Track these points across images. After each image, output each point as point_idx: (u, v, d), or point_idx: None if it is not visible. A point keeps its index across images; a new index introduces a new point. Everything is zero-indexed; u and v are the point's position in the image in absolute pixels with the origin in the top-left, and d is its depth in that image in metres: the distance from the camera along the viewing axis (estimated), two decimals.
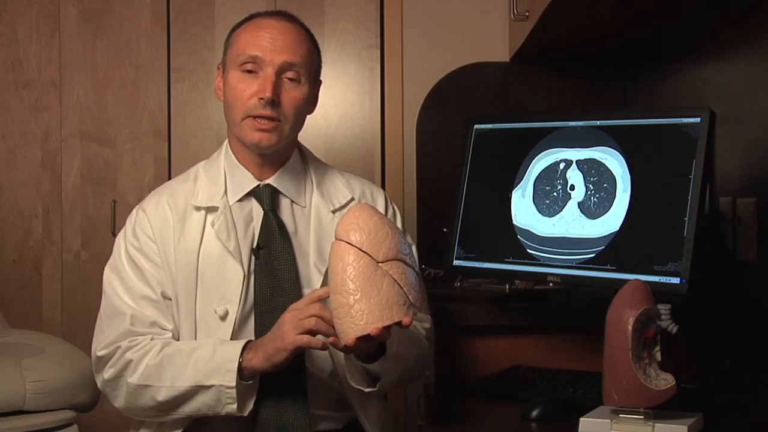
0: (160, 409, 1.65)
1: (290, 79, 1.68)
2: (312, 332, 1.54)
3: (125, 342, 1.67)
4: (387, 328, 1.45)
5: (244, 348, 1.60)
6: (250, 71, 1.67)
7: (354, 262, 1.45)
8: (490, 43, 2.98)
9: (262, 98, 1.65)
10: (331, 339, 1.51)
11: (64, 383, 2.45)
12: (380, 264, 1.46)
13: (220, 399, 1.60)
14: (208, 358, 1.60)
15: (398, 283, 1.47)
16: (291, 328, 1.54)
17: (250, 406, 1.62)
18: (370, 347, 1.56)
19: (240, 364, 1.58)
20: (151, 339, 1.67)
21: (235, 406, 1.59)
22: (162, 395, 1.63)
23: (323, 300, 1.55)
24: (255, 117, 1.66)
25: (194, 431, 1.69)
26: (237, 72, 1.68)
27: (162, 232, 1.71)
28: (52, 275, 3.19)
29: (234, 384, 1.58)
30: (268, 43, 1.67)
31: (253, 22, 1.72)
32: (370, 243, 1.46)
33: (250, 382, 1.61)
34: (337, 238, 1.48)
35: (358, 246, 1.46)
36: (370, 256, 1.46)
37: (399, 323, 1.46)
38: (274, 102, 1.65)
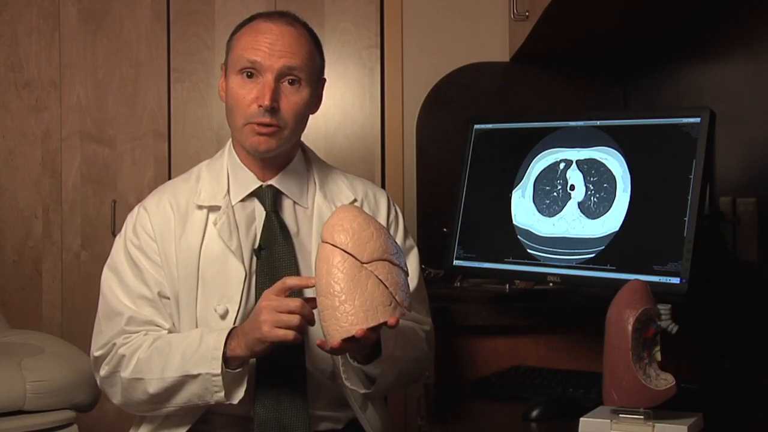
0: (153, 401, 1.65)
1: (290, 84, 1.67)
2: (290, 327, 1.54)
3: (120, 339, 1.68)
4: (373, 329, 1.45)
5: (229, 336, 1.60)
6: (249, 76, 1.67)
7: (339, 264, 1.45)
8: (490, 43, 2.98)
9: (261, 106, 1.64)
10: (318, 341, 1.51)
11: (64, 383, 2.45)
12: (365, 265, 1.46)
13: (208, 387, 1.59)
14: (194, 348, 1.60)
15: (384, 284, 1.46)
16: (268, 320, 1.53)
17: (240, 394, 1.61)
18: (358, 348, 1.56)
19: (224, 354, 1.58)
20: (145, 334, 1.68)
21: (222, 394, 1.59)
22: (153, 387, 1.63)
23: (294, 292, 1.56)
24: (255, 123, 1.66)
25: (196, 431, 1.69)
26: (237, 77, 1.68)
27: (162, 231, 1.71)
28: (52, 275, 3.19)
29: (219, 372, 1.58)
30: (267, 48, 1.66)
31: (253, 26, 1.70)
32: (355, 244, 1.46)
33: (238, 370, 1.60)
34: (322, 241, 1.49)
35: (342, 248, 1.46)
36: (355, 257, 1.46)
37: (385, 324, 1.46)
38: (274, 109, 1.65)
